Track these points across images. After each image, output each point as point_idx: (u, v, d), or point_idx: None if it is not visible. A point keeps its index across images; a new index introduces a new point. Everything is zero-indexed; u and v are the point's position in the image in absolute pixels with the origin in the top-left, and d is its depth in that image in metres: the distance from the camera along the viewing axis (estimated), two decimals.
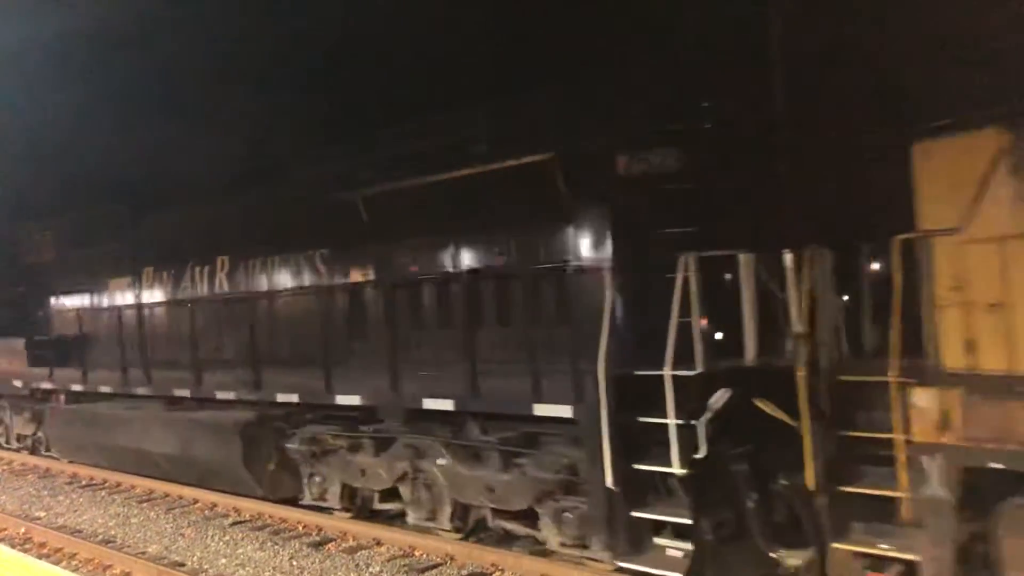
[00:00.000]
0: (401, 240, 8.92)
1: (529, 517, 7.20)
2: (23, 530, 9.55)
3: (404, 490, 8.16)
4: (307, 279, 10.07)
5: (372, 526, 8.44)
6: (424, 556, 7.68)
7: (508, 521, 7.39)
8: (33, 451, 14.28)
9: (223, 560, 8.01)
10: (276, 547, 8.28)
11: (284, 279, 10.45)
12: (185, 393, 10.55)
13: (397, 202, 8.71)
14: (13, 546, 8.60)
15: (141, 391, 11.36)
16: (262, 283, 10.72)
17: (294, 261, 10.27)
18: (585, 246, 7.04)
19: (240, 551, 8.26)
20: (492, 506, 7.39)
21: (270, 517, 9.31)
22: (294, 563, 7.78)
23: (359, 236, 9.23)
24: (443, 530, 7.86)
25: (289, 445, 9.26)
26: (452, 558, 7.51)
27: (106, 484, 11.81)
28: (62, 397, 13.05)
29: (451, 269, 8.42)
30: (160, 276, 12.56)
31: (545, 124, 7.42)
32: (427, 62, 11.80)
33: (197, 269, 11.71)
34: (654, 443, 6.05)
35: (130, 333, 11.79)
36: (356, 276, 9.43)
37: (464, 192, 8.00)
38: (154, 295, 12.61)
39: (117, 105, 15.00)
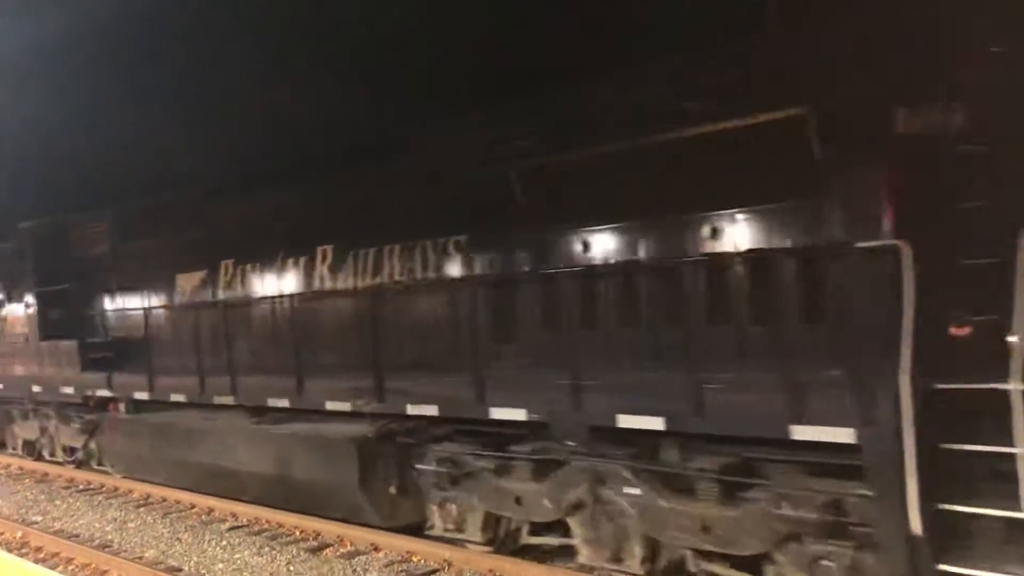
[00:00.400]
0: (571, 221, 7.45)
1: (750, 563, 5.75)
2: (20, 534, 9.50)
3: (577, 524, 6.63)
4: (439, 271, 8.56)
5: (369, 531, 8.41)
6: (421, 561, 7.64)
7: (719, 566, 5.93)
8: (80, 465, 12.88)
9: (220, 565, 7.96)
10: (273, 552, 8.24)
11: (408, 271, 8.86)
12: (282, 403, 8.92)
13: (567, 176, 7.35)
14: (10, 550, 8.55)
15: (223, 400, 9.70)
16: (376, 276, 9.14)
17: (421, 250, 8.71)
18: (855, 221, 5.45)
19: (237, 556, 8.22)
20: (705, 548, 5.86)
21: (267, 522, 9.26)
22: (291, 568, 7.73)
23: (511, 219, 7.79)
24: (630, 574, 6.40)
25: (421, 466, 7.79)
26: (449, 564, 7.45)
27: (103, 488, 11.75)
28: (121, 406, 11.52)
29: (645, 255, 6.96)
30: (243, 270, 10.86)
31: (785, 73, 5.87)
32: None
33: (291, 261, 10.17)
34: (972, 477, 4.65)
35: (208, 335, 10.34)
36: (506, 266, 8.00)
37: (666, 160, 6.58)
38: (236, 291, 10.94)
39: (194, 79, 13.74)
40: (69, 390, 12.33)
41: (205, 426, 9.95)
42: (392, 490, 7.96)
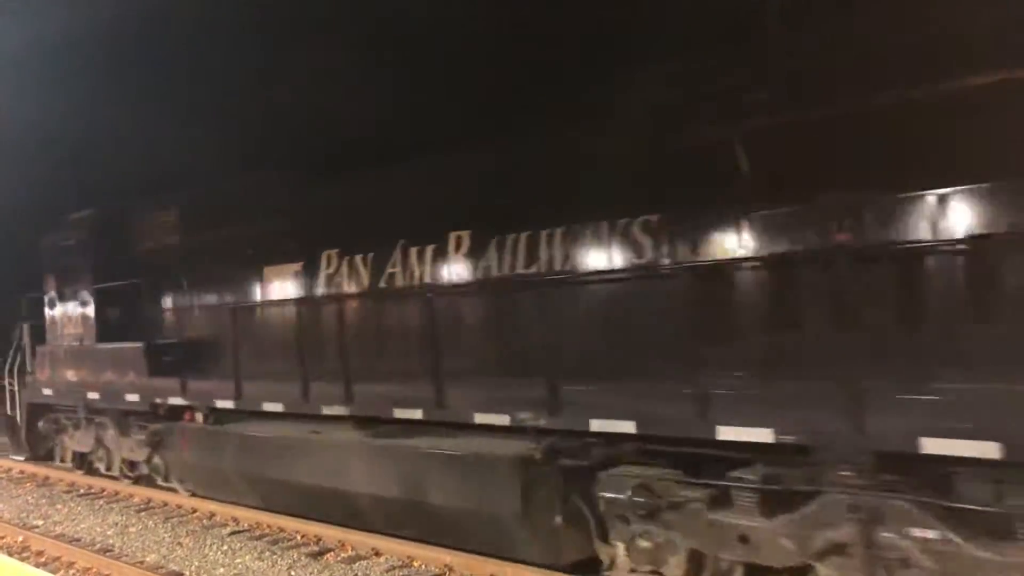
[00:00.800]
0: (817, 195, 5.94)
1: None
2: (21, 538, 9.48)
3: (834, 572, 5.24)
4: (617, 257, 7.18)
5: (370, 536, 8.41)
6: (423, 566, 7.63)
7: None
8: (139, 480, 11.57)
9: (221, 570, 7.95)
10: (275, 557, 8.24)
11: (571, 258, 7.49)
12: (414, 415, 7.54)
13: (808, 138, 5.95)
14: (11, 555, 8.54)
15: (333, 411, 8.28)
16: (531, 264, 7.81)
17: (592, 233, 7.34)
18: None
19: (238, 560, 8.21)
20: None
21: (268, 527, 9.26)
22: (292, 573, 7.71)
23: (728, 193, 6.42)
24: None
25: (607, 494, 6.31)
26: (450, 568, 7.46)
27: (104, 493, 11.73)
28: (197, 416, 10.13)
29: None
30: (350, 261, 9.51)
31: None
32: None
33: (414, 250, 8.84)
34: None
35: (312, 335, 9.13)
36: (722, 251, 6.52)
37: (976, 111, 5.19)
38: (342, 285, 9.55)
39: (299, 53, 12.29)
40: (133, 398, 10.90)
41: (310, 441, 8.45)
42: (558, 521, 6.55)
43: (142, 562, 8.28)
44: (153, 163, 13.91)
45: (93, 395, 11.79)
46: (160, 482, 11.15)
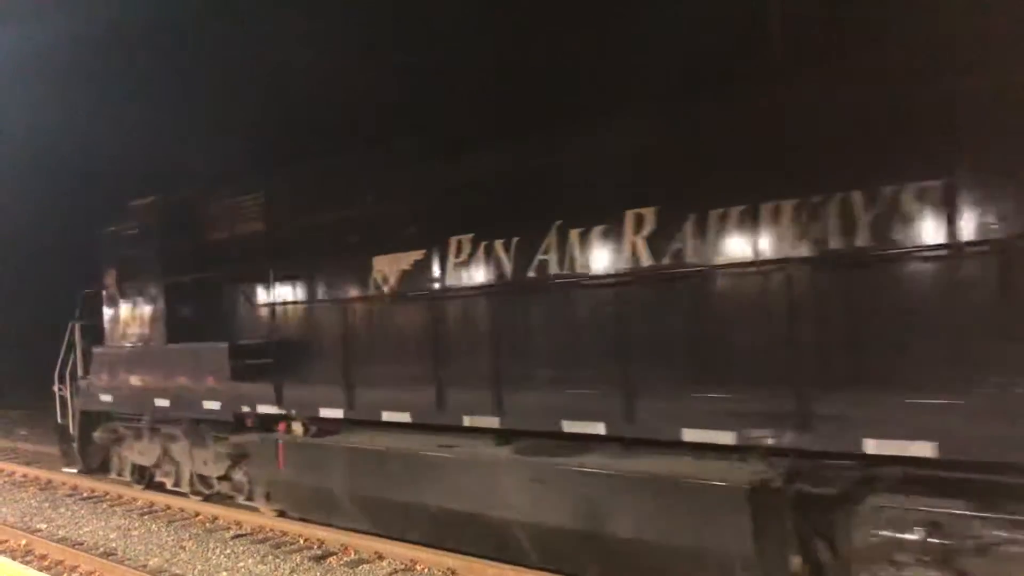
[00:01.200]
0: None
1: None
2: (24, 542, 9.47)
3: None
4: (894, 233, 5.53)
5: (373, 539, 8.41)
6: (426, 570, 7.65)
7: None
8: (209, 498, 10.52)
9: (224, 573, 7.94)
10: (278, 560, 8.24)
11: (817, 237, 5.86)
12: (592, 429, 6.35)
13: None
14: (14, 558, 8.54)
15: (480, 422, 7.15)
16: (749, 248, 6.24)
17: (842, 206, 5.75)
18: None
19: (241, 564, 8.22)
20: None
21: (271, 530, 9.27)
22: None
23: None
24: None
25: (882, 532, 5.08)
26: (454, 572, 7.46)
27: (107, 496, 11.75)
28: (295, 427, 8.85)
29: None
30: (488, 247, 7.99)
31: None
32: None
33: (576, 232, 7.32)
34: None
35: (440, 334, 7.93)
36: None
37: None
38: (477, 275, 8.10)
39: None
40: (213, 405, 9.69)
41: (445, 458, 7.32)
42: (795, 563, 5.34)
43: (145, 566, 8.27)
44: (229, 146, 13.05)
45: (161, 402, 10.51)
46: (241, 500, 9.95)
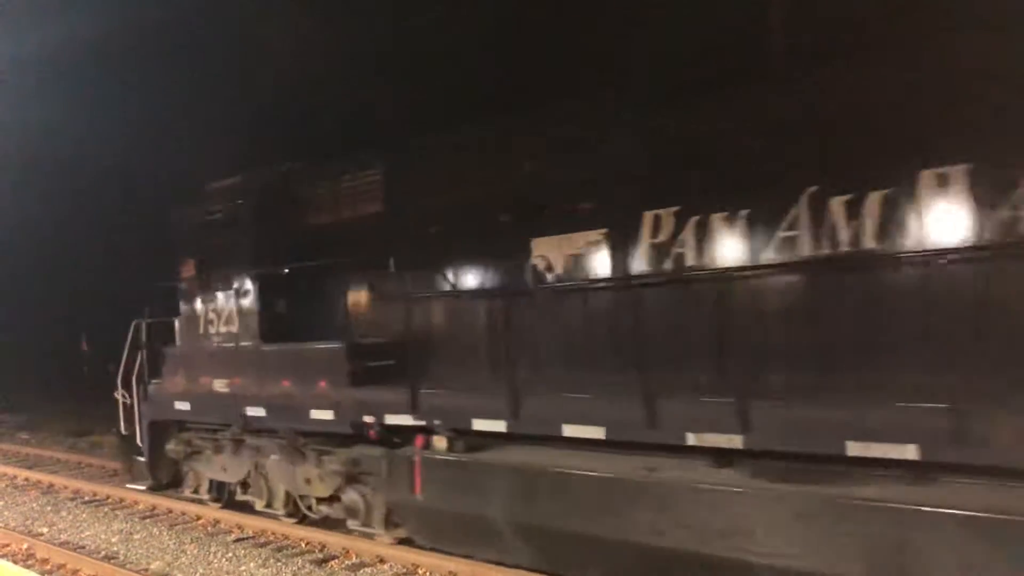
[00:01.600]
0: None
1: None
2: (26, 546, 9.48)
3: None
4: None
5: (375, 544, 8.41)
6: (427, 574, 7.65)
7: None
8: (302, 521, 9.32)
9: None
10: (279, 564, 8.24)
11: None
12: (899, 453, 4.89)
13: None
14: (16, 562, 8.56)
15: (715, 441, 5.72)
16: None
17: None
18: None
19: (243, 568, 8.22)
20: None
21: (273, 534, 9.27)
22: None
23: None
24: None
25: None
26: None
27: (108, 500, 11.77)
28: (436, 441, 7.38)
29: None
30: (701, 222, 6.35)
31: None
32: None
33: (839, 201, 5.64)
34: None
35: (643, 330, 6.44)
36: None
37: None
38: (684, 257, 6.44)
39: None
40: (324, 415, 8.30)
41: (670, 484, 5.87)
42: None
43: (146, 569, 8.28)
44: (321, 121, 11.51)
45: (255, 411, 9.17)
46: (353, 525, 8.52)
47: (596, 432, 6.34)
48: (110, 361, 11.86)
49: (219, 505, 10.35)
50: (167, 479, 11.25)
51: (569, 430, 6.48)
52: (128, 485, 11.62)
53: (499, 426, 6.99)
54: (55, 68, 13.82)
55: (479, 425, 7.15)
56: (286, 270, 9.37)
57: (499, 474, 6.87)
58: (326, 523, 9.12)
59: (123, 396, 11.11)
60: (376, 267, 8.80)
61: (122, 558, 8.82)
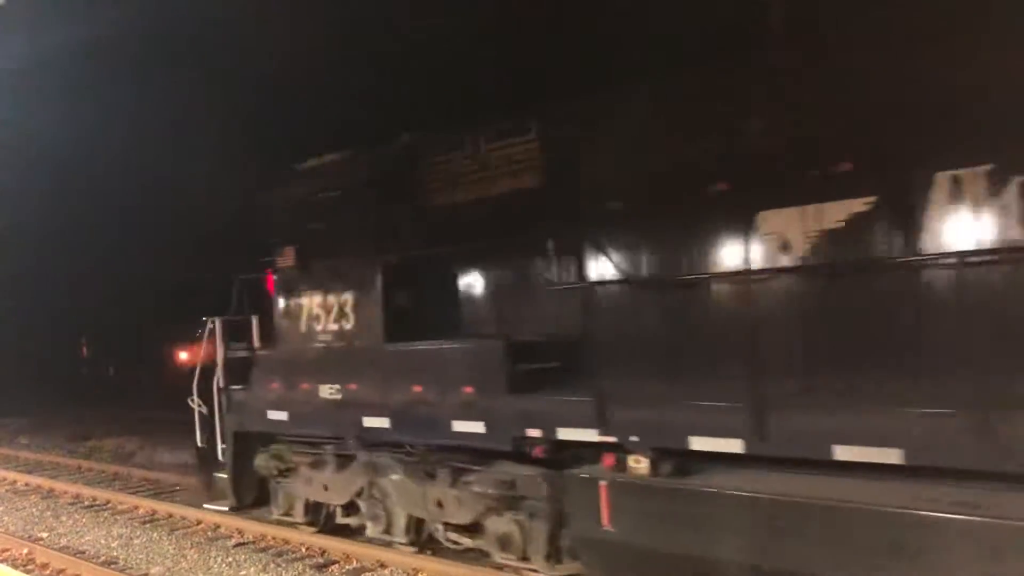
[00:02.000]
0: None
1: None
2: (26, 551, 9.45)
3: None
4: None
5: (376, 548, 8.39)
6: None
7: None
8: (434, 551, 7.92)
9: None
10: (279, 569, 8.23)
11: None
12: None
13: None
14: (16, 567, 8.54)
15: None
16: None
17: None
18: None
19: (243, 573, 8.20)
20: None
21: (273, 539, 9.26)
22: None
23: None
24: None
25: None
26: None
27: (108, 504, 11.76)
28: (634, 462, 6.00)
29: None
30: None
31: None
32: None
33: None
34: None
35: (984, 324, 4.98)
36: None
37: None
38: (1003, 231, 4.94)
39: None
40: (474, 427, 6.95)
41: (994, 525, 4.38)
42: None
43: (147, 574, 8.27)
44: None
45: (375, 422, 7.83)
46: (503, 559, 7.15)
47: (888, 455, 4.90)
48: (110, 364, 11.27)
49: (314, 530, 8.92)
50: (251, 498, 9.85)
51: (844, 452, 5.06)
52: (206, 505, 10.22)
53: (733, 446, 5.52)
54: (55, 67, 13.78)
55: (700, 444, 5.68)
56: (411, 257, 7.99)
57: (735, 506, 5.37)
58: (464, 556, 7.64)
59: (198, 405, 9.79)
60: (528, 250, 7.49)
61: (122, 563, 8.80)
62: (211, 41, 12.42)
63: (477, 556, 7.53)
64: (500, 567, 7.18)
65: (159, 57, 13.22)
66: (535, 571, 6.92)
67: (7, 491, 13.41)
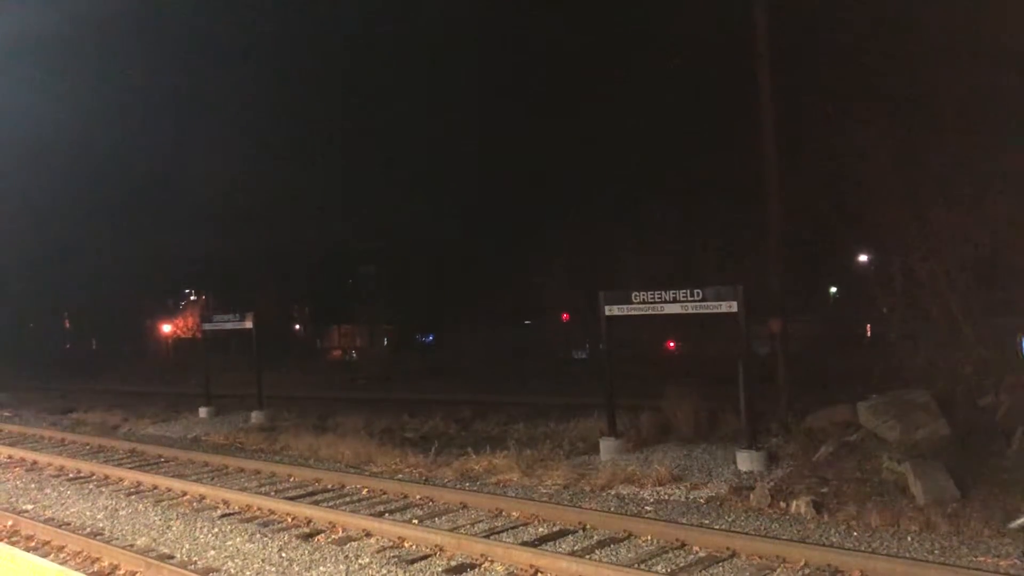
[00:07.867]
0: None
1: None
2: (11, 523, 9.45)
3: None
4: None
5: (362, 518, 8.47)
6: (413, 547, 7.72)
7: None
8: None
9: (212, 552, 8.00)
10: (265, 539, 8.29)
11: None
12: None
13: None
14: (1, 539, 8.57)
15: None
16: None
17: None
18: None
19: (229, 543, 8.26)
20: None
21: (259, 509, 9.32)
22: (283, 555, 7.78)
23: None
24: None
25: None
26: (441, 549, 7.54)
27: (93, 477, 11.77)
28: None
29: None
30: None
31: None
32: None
33: None
34: None
35: None
36: None
37: None
38: None
39: None
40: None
41: None
42: None
43: (132, 545, 8.31)
44: None
45: None
46: None
47: None
48: (92, 338, 11.16)
49: None
50: None
51: None
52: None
53: None
54: (57, 58, 13.57)
55: None
56: None
57: None
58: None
59: None
60: None
61: (108, 534, 8.84)
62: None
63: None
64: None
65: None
66: None
67: None
